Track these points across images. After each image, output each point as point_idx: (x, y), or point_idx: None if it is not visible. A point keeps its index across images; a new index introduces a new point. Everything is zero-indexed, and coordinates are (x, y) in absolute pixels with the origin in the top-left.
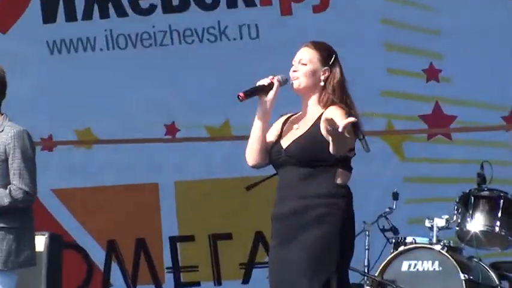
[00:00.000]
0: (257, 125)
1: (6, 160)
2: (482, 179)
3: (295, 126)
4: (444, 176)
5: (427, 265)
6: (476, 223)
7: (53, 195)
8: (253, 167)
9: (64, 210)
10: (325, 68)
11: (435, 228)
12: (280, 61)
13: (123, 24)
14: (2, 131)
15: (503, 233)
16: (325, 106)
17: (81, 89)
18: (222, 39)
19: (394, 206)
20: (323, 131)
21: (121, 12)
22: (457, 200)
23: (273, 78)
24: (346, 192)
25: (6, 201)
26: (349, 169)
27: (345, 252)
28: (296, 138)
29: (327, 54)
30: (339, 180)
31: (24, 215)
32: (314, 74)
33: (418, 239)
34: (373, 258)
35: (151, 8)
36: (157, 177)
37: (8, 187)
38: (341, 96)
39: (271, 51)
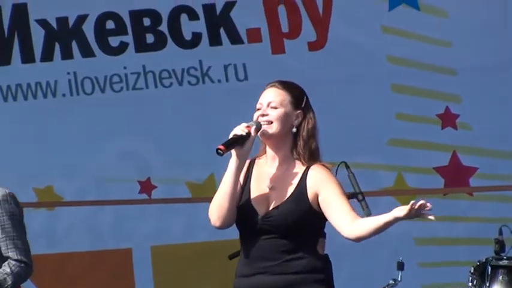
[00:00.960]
0: (229, 181)
1: None
2: (500, 245)
3: (266, 185)
4: (461, 237)
5: None
6: None
7: None
8: (220, 228)
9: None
10: (298, 111)
11: None
12: None
13: (89, 66)
14: None
15: None
16: (305, 160)
17: (41, 141)
18: (205, 82)
19: (399, 278)
20: (310, 197)
21: (87, 52)
22: (472, 271)
23: (249, 126)
24: (329, 264)
25: (9, 282)
26: (325, 236)
27: None
28: (278, 205)
29: (298, 95)
30: (321, 251)
31: None
32: (287, 118)
33: None
34: None
35: (122, 47)
36: (131, 242)
37: (6, 264)
38: (316, 145)
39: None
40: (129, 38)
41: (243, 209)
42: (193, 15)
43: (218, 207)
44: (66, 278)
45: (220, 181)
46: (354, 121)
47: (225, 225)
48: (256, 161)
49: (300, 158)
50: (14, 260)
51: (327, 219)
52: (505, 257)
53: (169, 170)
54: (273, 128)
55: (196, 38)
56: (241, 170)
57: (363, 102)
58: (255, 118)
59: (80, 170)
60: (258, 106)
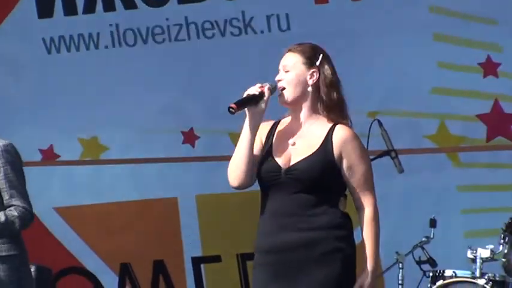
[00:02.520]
0: (245, 142)
1: None
2: None
3: (290, 141)
4: (505, 183)
5: None
6: None
7: (55, 214)
8: (237, 188)
9: (69, 230)
10: (312, 70)
11: (478, 260)
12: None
13: (131, 18)
14: None
15: None
16: (329, 116)
17: (84, 92)
18: (248, 32)
19: (432, 235)
20: (335, 155)
21: (129, 4)
22: (504, 228)
23: (262, 86)
24: (351, 223)
25: (17, 224)
26: (345, 195)
27: None
28: (303, 159)
29: (312, 54)
30: (342, 208)
31: (20, 239)
32: (300, 80)
33: (459, 272)
34: None
35: None
36: (177, 191)
37: (13, 208)
38: (336, 100)
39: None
40: None
41: (265, 164)
42: None
43: (235, 168)
44: (113, 227)
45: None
46: (397, 70)
47: (242, 186)
48: (281, 121)
49: (324, 114)
50: (21, 206)
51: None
52: None
53: (212, 121)
54: (287, 93)
55: None
56: (256, 130)
57: (405, 52)
58: (276, 79)
59: (124, 121)
60: (279, 68)
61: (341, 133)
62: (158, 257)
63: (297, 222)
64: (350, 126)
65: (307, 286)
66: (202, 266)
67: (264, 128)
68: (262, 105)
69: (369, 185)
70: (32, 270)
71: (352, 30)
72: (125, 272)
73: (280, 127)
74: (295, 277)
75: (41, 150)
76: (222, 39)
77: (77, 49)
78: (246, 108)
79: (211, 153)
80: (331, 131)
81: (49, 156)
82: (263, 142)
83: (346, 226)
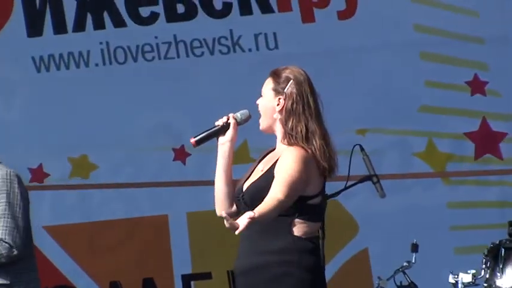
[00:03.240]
0: (220, 173)
1: None
2: None
3: (259, 167)
4: (493, 200)
5: None
6: (508, 279)
7: (45, 233)
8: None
9: (58, 249)
10: (279, 97)
11: (460, 285)
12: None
13: (121, 36)
14: None
15: None
16: (287, 143)
17: (74, 110)
18: (236, 51)
19: (414, 260)
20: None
21: (118, 22)
22: (485, 253)
23: (231, 116)
24: (306, 246)
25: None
26: (312, 218)
27: None
28: (251, 184)
29: (284, 80)
30: (297, 233)
31: (13, 270)
32: (268, 107)
33: None
34: None
35: (154, 17)
36: (167, 209)
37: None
38: (295, 125)
39: (292, 64)
40: (159, 8)
41: (238, 189)
42: None
43: (217, 200)
44: (103, 246)
45: (253, 148)
46: (385, 88)
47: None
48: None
49: (285, 142)
50: (4, 241)
51: (303, 201)
52: None
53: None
54: (260, 120)
55: (227, 7)
56: (230, 159)
57: (393, 70)
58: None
59: (114, 139)
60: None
61: (284, 152)
62: (148, 274)
63: (253, 246)
64: (305, 149)
65: None
66: (192, 283)
67: (263, 153)
68: (228, 134)
69: (281, 184)
70: None
71: (339, 49)
72: None
73: (270, 154)
74: None
75: (30, 169)
76: (210, 58)
77: (67, 67)
78: (210, 139)
79: (202, 169)
80: (280, 155)
81: (39, 175)
82: (252, 168)
83: (295, 250)
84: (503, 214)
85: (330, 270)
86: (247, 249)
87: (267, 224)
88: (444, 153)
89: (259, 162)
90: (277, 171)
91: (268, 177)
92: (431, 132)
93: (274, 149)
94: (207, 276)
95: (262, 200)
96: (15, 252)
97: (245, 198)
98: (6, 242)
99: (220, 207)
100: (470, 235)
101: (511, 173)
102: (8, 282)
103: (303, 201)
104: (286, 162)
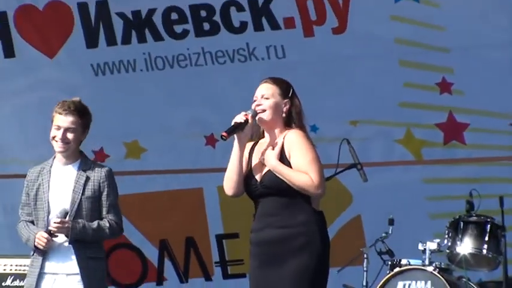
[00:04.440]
0: (235, 158)
1: (98, 197)
2: (470, 205)
3: (260, 157)
4: (459, 177)
5: (420, 285)
6: (465, 246)
7: None
8: (232, 196)
9: None
10: (286, 100)
11: (427, 251)
12: (304, 77)
13: (159, 48)
14: (91, 169)
15: (490, 255)
16: (287, 129)
17: (125, 106)
18: (251, 59)
19: (390, 231)
20: (288, 157)
21: (157, 37)
22: (448, 225)
23: (246, 114)
24: (323, 218)
25: (107, 233)
26: None
27: (324, 278)
28: (267, 171)
29: (285, 88)
30: (315, 206)
31: (103, 246)
32: (277, 106)
33: (412, 261)
34: (371, 279)
35: (185, 33)
36: (202, 183)
37: (107, 220)
38: (301, 123)
39: (296, 69)
40: (189, 26)
41: (247, 179)
42: (240, 8)
43: (228, 180)
44: (154, 211)
45: None
46: (371, 89)
47: (235, 195)
48: (259, 141)
49: (284, 130)
50: (114, 221)
51: None
52: (474, 215)
53: (226, 128)
54: (266, 115)
55: (244, 25)
56: (244, 149)
57: (378, 74)
58: (252, 107)
59: (158, 128)
60: (254, 98)
61: (288, 135)
62: (189, 234)
63: (277, 221)
64: (304, 130)
65: (284, 273)
66: (224, 241)
67: (247, 148)
68: (248, 129)
69: (309, 164)
70: None
71: (334, 58)
72: (163, 247)
73: (257, 147)
74: (276, 266)
75: (93, 151)
76: (231, 65)
77: (118, 72)
78: (235, 133)
79: (228, 151)
80: (283, 140)
81: (100, 156)
82: (247, 159)
83: (317, 222)
84: (468, 187)
85: (330, 232)
86: (271, 223)
87: (288, 201)
88: (419, 139)
89: (250, 154)
90: (294, 151)
91: (282, 162)
92: (409, 123)
93: (256, 143)
94: (235, 235)
95: (282, 182)
96: (121, 232)
97: (265, 184)
98: (119, 225)
99: (231, 186)
100: (441, 204)
101: (472, 155)
102: (102, 256)
103: None
104: (295, 142)
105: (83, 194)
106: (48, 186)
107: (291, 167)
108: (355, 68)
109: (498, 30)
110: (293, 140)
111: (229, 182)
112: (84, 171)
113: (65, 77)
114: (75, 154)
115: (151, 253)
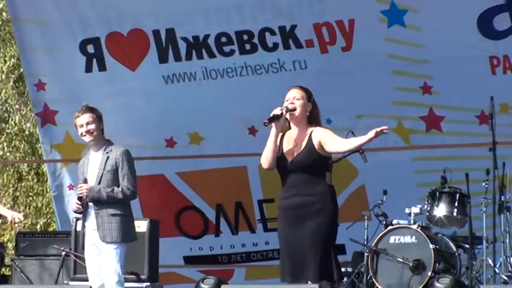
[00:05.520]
0: (272, 140)
1: (116, 170)
2: (444, 179)
3: (292, 143)
4: (437, 155)
5: (407, 238)
6: (440, 210)
7: (177, 177)
8: (267, 169)
9: (186, 186)
10: (309, 103)
11: (412, 214)
12: (321, 83)
13: (212, 63)
14: (111, 151)
15: (459, 217)
16: (310, 127)
17: (189, 106)
18: (282, 71)
19: (384, 199)
20: (316, 146)
21: (211, 55)
22: (427, 195)
23: (282, 109)
24: (333, 190)
25: (120, 196)
26: (331, 171)
27: (335, 233)
28: (298, 153)
29: (309, 95)
30: (328, 181)
31: (127, 206)
32: (305, 106)
33: (401, 221)
34: (370, 234)
35: (232, 52)
36: (246, 162)
37: (121, 186)
38: (319, 121)
39: (316, 78)
40: (235, 47)
41: (279, 159)
42: (272, 33)
43: (265, 156)
44: (212, 183)
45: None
46: (372, 92)
47: (269, 168)
48: (286, 133)
49: (310, 126)
50: (126, 187)
51: (329, 159)
52: (447, 187)
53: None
54: (298, 112)
55: (275, 46)
56: (278, 134)
57: (376, 81)
58: (285, 105)
59: (214, 121)
60: (286, 99)
61: (315, 131)
62: (238, 199)
63: (301, 190)
64: (322, 127)
65: (306, 231)
66: (263, 204)
67: (278, 137)
68: (282, 120)
69: (337, 136)
70: (146, 221)
71: (343, 69)
72: (219, 209)
73: (286, 137)
74: (299, 225)
75: (165, 140)
76: (267, 75)
77: (183, 81)
78: (274, 121)
79: (264, 139)
80: (311, 133)
81: (171, 143)
82: (278, 145)
83: (329, 193)
84: (443, 164)
85: (340, 200)
86: (296, 193)
87: (308, 177)
88: (408, 128)
89: (281, 141)
90: (329, 135)
91: (310, 148)
92: (400, 117)
93: (284, 134)
94: (271, 200)
95: (309, 163)
96: (135, 196)
97: (296, 163)
98: (130, 189)
99: (266, 161)
100: (424, 176)
101: (446, 141)
102: (125, 213)
103: (329, 160)
104: (329, 132)
105: (104, 169)
106: (87, 168)
107: (317, 153)
108: (359, 76)
109: (467, 46)
110: (322, 133)
111: (266, 158)
112: (107, 152)
113: (143, 86)
114: (101, 141)
115: (210, 214)
